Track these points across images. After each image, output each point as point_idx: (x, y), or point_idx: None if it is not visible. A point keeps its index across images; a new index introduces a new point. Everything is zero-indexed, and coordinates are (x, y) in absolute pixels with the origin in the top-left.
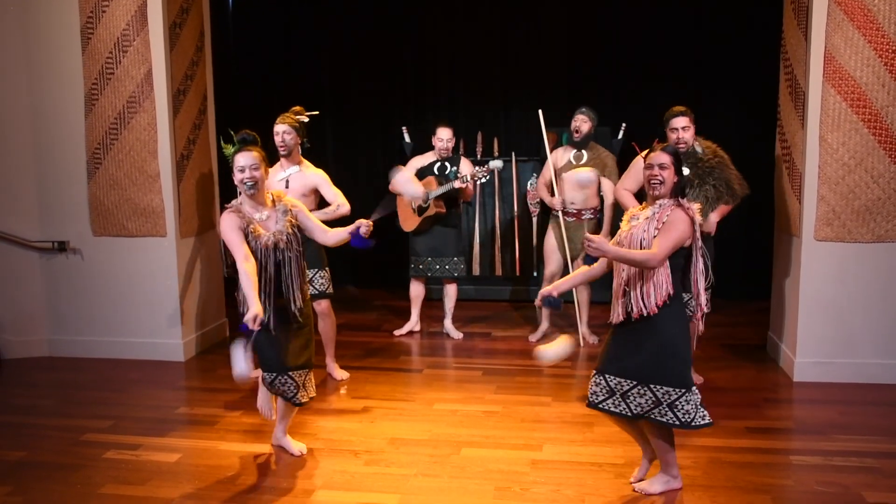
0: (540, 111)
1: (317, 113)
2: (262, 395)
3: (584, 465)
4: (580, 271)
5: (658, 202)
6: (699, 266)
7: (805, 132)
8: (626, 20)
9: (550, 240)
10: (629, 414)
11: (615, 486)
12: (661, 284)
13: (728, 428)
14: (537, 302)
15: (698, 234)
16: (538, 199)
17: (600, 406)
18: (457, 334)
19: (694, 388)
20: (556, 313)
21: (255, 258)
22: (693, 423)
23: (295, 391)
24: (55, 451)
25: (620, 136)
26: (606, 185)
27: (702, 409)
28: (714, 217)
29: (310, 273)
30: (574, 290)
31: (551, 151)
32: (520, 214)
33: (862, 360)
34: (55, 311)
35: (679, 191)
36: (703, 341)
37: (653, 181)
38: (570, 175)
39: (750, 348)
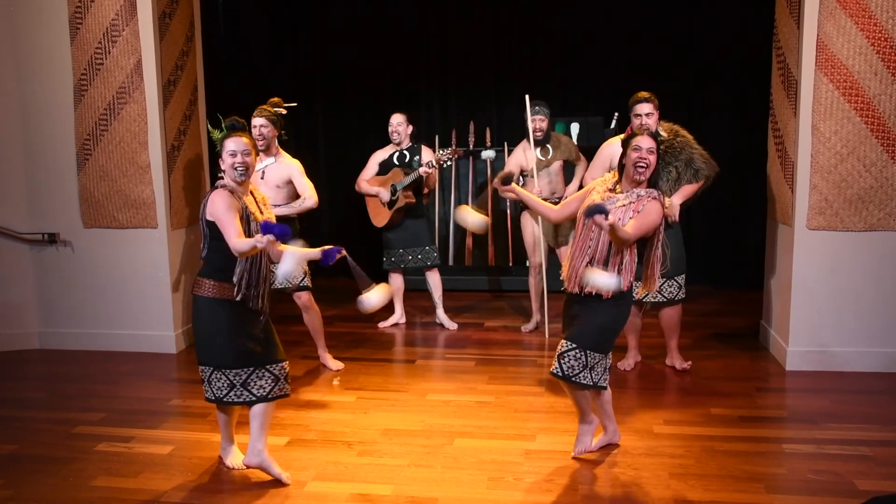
0: (527, 96)
1: (295, 104)
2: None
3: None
4: (544, 204)
5: (636, 190)
6: (658, 253)
7: (797, 121)
8: (618, 11)
9: (527, 233)
10: (561, 374)
11: (608, 476)
12: (628, 272)
13: (721, 417)
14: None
15: (663, 225)
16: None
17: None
18: (451, 325)
19: (593, 352)
20: (550, 302)
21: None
22: (571, 378)
23: (273, 385)
24: (46, 444)
25: (613, 125)
26: (581, 169)
27: (587, 372)
28: (677, 200)
29: None
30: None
31: (514, 150)
32: (512, 204)
33: (854, 349)
34: (46, 304)
35: (654, 181)
36: (696, 330)
37: (639, 164)
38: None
39: (742, 337)
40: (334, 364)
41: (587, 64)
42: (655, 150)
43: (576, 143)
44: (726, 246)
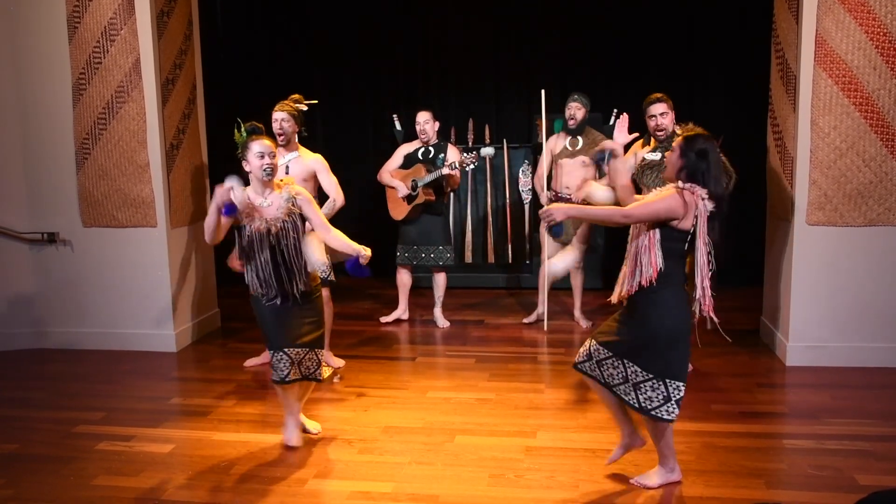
0: (542, 91)
1: (315, 102)
2: (290, 424)
3: (578, 451)
4: (592, 208)
5: (656, 191)
6: (702, 260)
7: (797, 116)
8: (617, 7)
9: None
10: (602, 380)
11: (609, 472)
12: (647, 265)
13: (721, 413)
14: (542, 227)
15: (703, 222)
16: (530, 187)
17: (578, 366)
18: (443, 323)
19: (671, 380)
20: (551, 299)
21: (250, 243)
22: (652, 412)
23: (288, 369)
24: (47, 444)
25: (612, 121)
26: (606, 169)
27: (671, 405)
28: None
29: None
30: (570, 275)
31: (546, 139)
32: (512, 202)
33: (854, 344)
34: (46, 303)
35: (686, 175)
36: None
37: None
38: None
39: (743, 333)
40: (335, 361)
41: (586, 60)
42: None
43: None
44: (725, 242)
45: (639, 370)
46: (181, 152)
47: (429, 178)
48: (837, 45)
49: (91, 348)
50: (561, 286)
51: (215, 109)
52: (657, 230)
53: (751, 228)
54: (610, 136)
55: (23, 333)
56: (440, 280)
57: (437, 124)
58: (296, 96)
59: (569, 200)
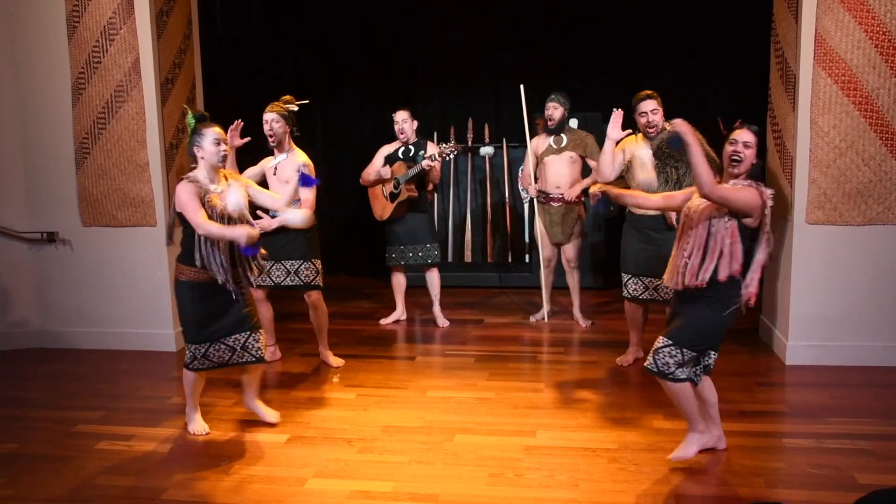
0: (521, 87)
1: (307, 102)
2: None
3: (578, 450)
4: (637, 193)
5: (733, 181)
6: (763, 253)
7: (796, 115)
8: (618, 6)
9: (539, 225)
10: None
11: (609, 471)
12: (732, 258)
13: (721, 411)
14: (592, 195)
15: (767, 221)
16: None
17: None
18: (443, 322)
19: (690, 350)
20: (553, 299)
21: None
22: (658, 369)
23: (230, 355)
24: (47, 443)
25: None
26: (592, 164)
27: (679, 369)
28: None
29: (296, 263)
30: (566, 275)
31: (535, 137)
32: (511, 200)
33: (853, 343)
34: (45, 303)
35: (755, 175)
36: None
37: (733, 157)
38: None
39: (742, 332)
40: (335, 361)
41: (586, 59)
42: (754, 146)
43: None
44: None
45: (665, 340)
46: (181, 151)
47: (410, 173)
48: (837, 44)
49: (90, 348)
50: (560, 286)
51: (215, 109)
52: (736, 225)
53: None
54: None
55: (22, 333)
56: (434, 278)
57: (416, 123)
58: (287, 97)
59: (561, 198)
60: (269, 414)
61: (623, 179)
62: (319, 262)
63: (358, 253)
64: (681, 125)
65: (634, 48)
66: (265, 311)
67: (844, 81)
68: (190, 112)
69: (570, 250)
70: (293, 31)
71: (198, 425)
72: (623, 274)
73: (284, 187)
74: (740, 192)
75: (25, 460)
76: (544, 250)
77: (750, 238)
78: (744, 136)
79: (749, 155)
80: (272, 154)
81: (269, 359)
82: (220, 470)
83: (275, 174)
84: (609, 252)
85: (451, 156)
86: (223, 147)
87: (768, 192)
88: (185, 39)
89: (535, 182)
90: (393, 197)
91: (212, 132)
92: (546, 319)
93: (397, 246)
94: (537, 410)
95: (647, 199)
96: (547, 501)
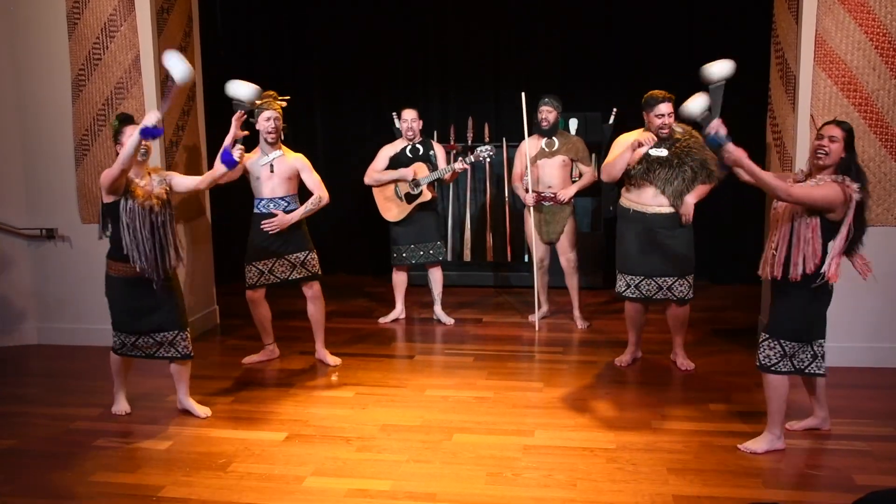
0: (523, 93)
1: (288, 98)
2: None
3: (576, 449)
4: (761, 172)
5: (822, 176)
6: (840, 244)
7: (796, 116)
8: (617, 6)
9: (529, 227)
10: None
11: (607, 471)
12: (811, 255)
13: (719, 412)
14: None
15: (850, 214)
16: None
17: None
18: (448, 320)
19: (788, 341)
20: (551, 299)
21: (132, 218)
22: (760, 363)
23: (157, 349)
24: (45, 440)
25: (611, 120)
26: (583, 168)
27: (781, 362)
28: (690, 199)
29: (301, 255)
30: (565, 276)
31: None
32: (510, 200)
33: (852, 344)
34: (44, 299)
35: (844, 169)
36: (695, 326)
37: (819, 151)
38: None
39: (742, 332)
40: (332, 360)
41: (585, 59)
42: (841, 140)
43: (611, 130)
44: (723, 241)
45: (763, 334)
46: (180, 149)
47: (435, 174)
48: (837, 45)
49: (89, 344)
50: (558, 286)
51: (214, 106)
52: (818, 221)
53: (749, 227)
54: (610, 135)
55: (21, 329)
56: (437, 276)
57: (421, 122)
58: (272, 93)
59: (554, 198)
60: (201, 410)
61: (629, 176)
62: (316, 252)
63: (357, 251)
64: (733, 152)
65: (634, 48)
66: (263, 311)
67: (844, 83)
68: (115, 117)
69: (567, 249)
70: (293, 30)
71: (121, 405)
72: (623, 274)
73: (286, 184)
74: (819, 189)
75: (23, 457)
76: (537, 251)
77: (834, 231)
78: (830, 130)
79: (835, 149)
80: (249, 151)
81: (268, 357)
82: (219, 468)
83: (272, 171)
84: (609, 252)
85: (489, 159)
86: (147, 142)
87: (854, 185)
88: (186, 37)
89: (528, 192)
90: (411, 198)
91: (130, 129)
92: (545, 318)
93: (407, 245)
94: (536, 410)
95: (774, 187)
96: (545, 501)
